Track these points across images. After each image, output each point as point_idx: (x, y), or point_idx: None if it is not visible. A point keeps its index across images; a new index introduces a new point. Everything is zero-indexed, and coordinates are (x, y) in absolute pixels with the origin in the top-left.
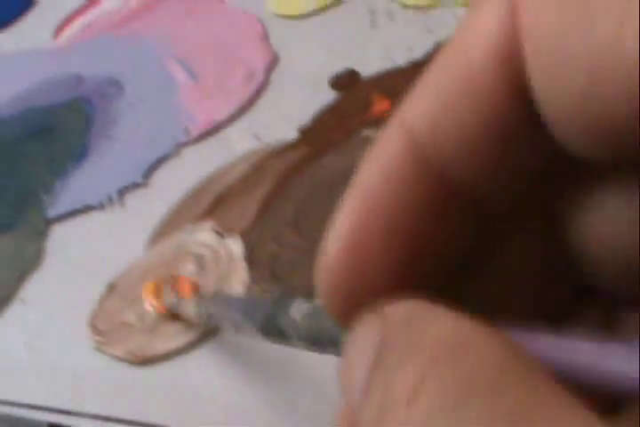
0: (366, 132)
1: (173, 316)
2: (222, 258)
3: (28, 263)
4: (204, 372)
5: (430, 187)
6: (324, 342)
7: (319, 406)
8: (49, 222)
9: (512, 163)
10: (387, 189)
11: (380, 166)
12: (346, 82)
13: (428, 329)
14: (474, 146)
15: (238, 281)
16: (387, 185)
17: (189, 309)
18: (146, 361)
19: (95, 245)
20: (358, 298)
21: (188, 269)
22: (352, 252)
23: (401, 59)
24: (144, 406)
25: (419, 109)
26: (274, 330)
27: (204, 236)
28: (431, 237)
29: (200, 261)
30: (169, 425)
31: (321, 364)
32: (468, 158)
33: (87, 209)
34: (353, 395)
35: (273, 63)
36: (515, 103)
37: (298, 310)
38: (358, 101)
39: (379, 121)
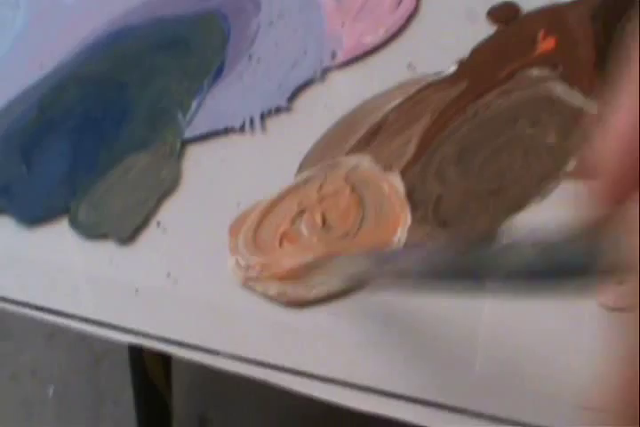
0: (532, 72)
1: None
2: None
3: (164, 184)
4: (358, 319)
5: None
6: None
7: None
8: (185, 143)
9: None
10: None
11: None
12: (505, 15)
13: None
14: None
15: (399, 222)
16: None
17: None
18: (300, 303)
19: (235, 171)
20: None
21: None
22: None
23: None
24: (296, 353)
25: None
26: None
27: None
28: None
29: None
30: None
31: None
32: None
33: (226, 131)
34: None
35: None
36: None
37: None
38: (521, 38)
39: (544, 60)
